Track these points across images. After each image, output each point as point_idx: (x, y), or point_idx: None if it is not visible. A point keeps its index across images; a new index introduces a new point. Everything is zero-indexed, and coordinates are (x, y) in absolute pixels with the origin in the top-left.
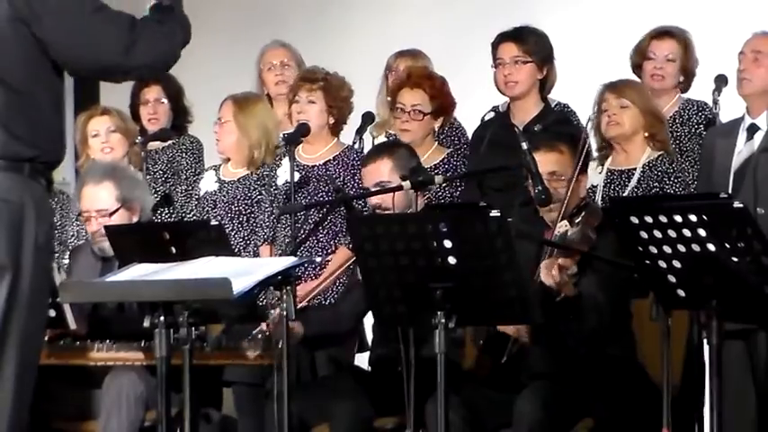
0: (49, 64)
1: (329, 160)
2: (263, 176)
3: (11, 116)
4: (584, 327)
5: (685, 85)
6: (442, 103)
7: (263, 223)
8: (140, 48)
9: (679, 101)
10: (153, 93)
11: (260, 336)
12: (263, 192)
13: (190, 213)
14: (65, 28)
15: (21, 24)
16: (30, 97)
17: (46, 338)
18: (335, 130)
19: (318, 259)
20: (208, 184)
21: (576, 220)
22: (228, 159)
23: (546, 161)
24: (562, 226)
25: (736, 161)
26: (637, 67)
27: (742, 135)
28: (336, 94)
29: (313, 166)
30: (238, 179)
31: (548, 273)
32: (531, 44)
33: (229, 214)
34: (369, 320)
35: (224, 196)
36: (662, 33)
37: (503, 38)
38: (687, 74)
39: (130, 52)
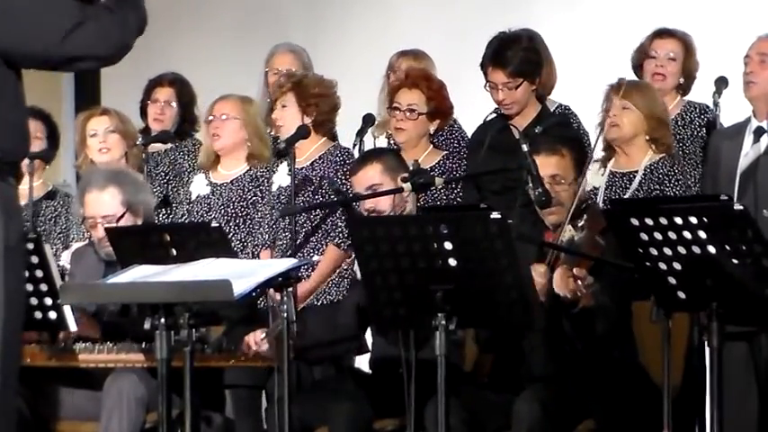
0: (2, 65)
1: (316, 160)
2: (256, 177)
3: None
4: (595, 332)
5: (685, 88)
6: (439, 105)
7: (262, 227)
8: (80, 36)
9: (681, 103)
10: (164, 94)
11: (247, 353)
12: (258, 192)
13: (182, 218)
14: (11, 23)
15: None
16: None
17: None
18: (320, 129)
19: (316, 258)
20: (199, 187)
21: (580, 224)
22: (218, 162)
23: (547, 164)
24: (567, 231)
25: (743, 164)
26: (637, 67)
27: (748, 138)
28: (307, 93)
29: (302, 168)
30: (231, 181)
31: (563, 284)
32: (516, 65)
33: (225, 217)
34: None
35: (218, 199)
36: (664, 33)
37: (489, 63)
38: (687, 76)
39: (67, 40)
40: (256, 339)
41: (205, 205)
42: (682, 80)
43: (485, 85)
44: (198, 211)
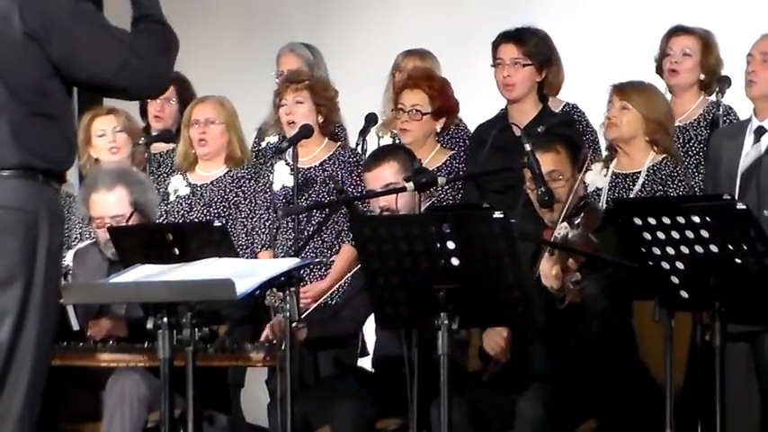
0: (57, 77)
1: (325, 160)
2: (237, 177)
3: (24, 130)
4: (589, 332)
5: (708, 85)
6: (443, 103)
7: (261, 228)
8: (134, 69)
9: (704, 103)
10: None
11: (266, 344)
12: (240, 193)
13: (160, 218)
14: (72, 44)
15: (33, 42)
16: (41, 110)
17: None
18: (325, 130)
19: (322, 260)
20: (178, 188)
21: (576, 222)
22: (195, 163)
23: (544, 161)
24: (562, 228)
25: (744, 163)
26: (660, 69)
27: (749, 137)
28: (322, 93)
29: (309, 168)
30: (211, 182)
31: (549, 276)
32: (530, 46)
33: (207, 217)
34: (369, 324)
35: (199, 199)
36: (679, 30)
37: (503, 38)
38: (708, 72)
39: (122, 73)
40: (275, 327)
41: (186, 206)
42: (702, 76)
43: (492, 64)
44: (179, 211)
